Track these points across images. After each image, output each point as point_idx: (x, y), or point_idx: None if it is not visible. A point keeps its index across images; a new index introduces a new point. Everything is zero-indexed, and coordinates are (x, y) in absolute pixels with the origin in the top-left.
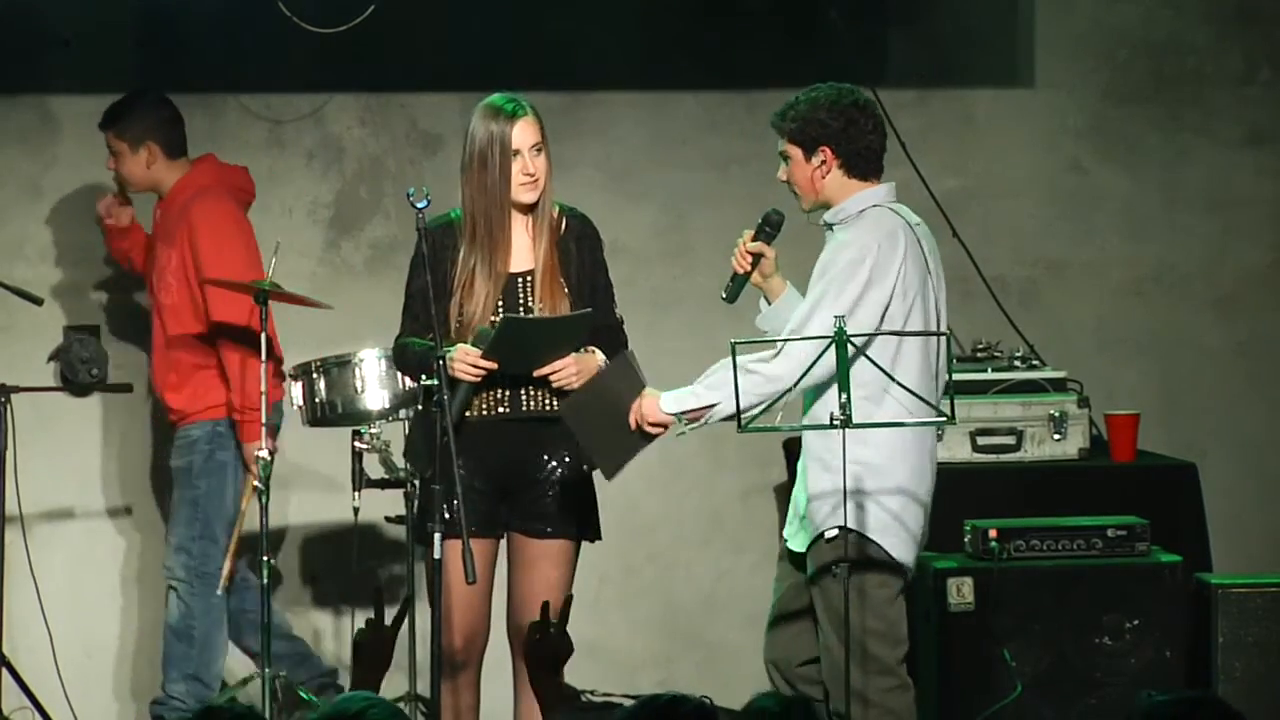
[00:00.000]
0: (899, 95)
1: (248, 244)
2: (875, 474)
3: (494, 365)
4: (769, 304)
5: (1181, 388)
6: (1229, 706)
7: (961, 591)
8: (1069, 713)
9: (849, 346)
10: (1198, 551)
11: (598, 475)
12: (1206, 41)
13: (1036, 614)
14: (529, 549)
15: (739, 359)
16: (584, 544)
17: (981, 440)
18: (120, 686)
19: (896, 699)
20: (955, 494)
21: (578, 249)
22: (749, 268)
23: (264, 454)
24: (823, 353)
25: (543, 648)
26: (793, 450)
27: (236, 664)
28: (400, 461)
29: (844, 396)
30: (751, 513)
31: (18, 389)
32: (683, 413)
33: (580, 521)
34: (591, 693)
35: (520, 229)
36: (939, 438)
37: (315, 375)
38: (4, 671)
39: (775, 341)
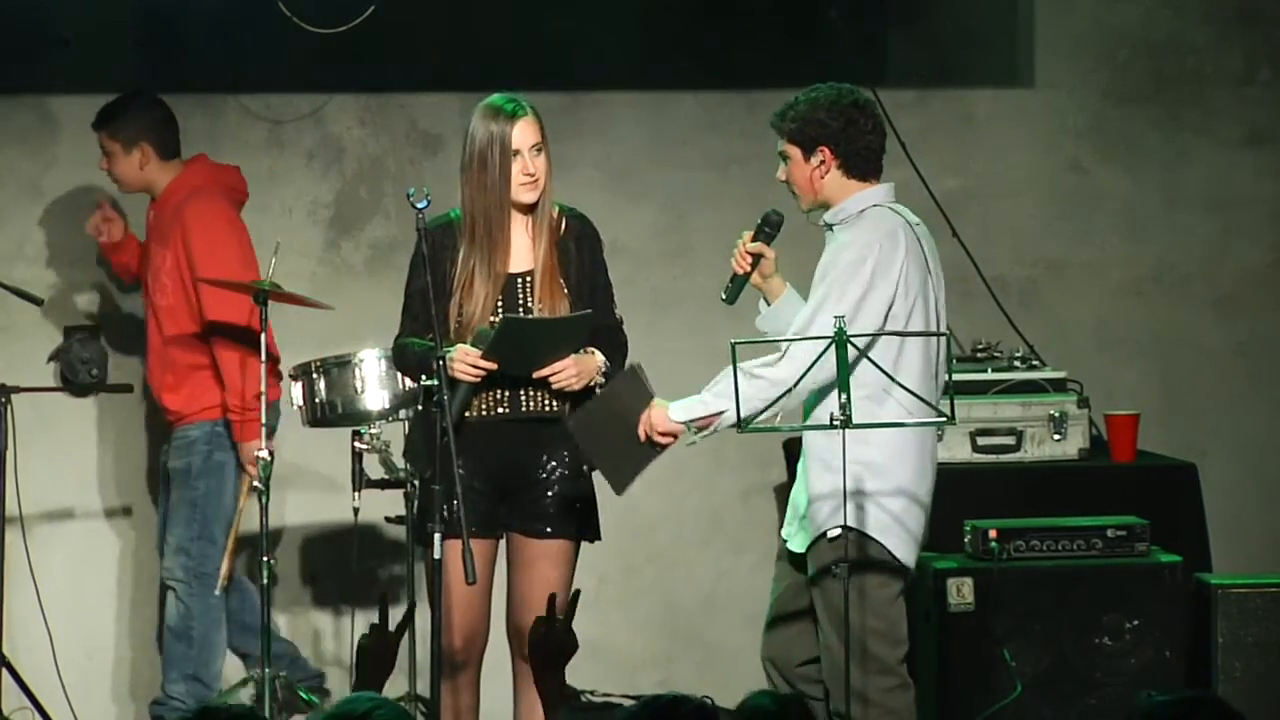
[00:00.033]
0: (899, 95)
1: (242, 243)
2: (877, 474)
3: (494, 365)
4: (768, 305)
5: (1181, 388)
6: (1229, 706)
7: (961, 591)
8: (1069, 713)
9: (850, 347)
10: (1198, 551)
11: (601, 480)
12: (1206, 41)
13: (1036, 614)
14: (528, 549)
15: (744, 364)
16: (584, 544)
17: (981, 440)
18: (120, 687)
19: (897, 698)
20: (955, 494)
21: (577, 249)
22: (749, 268)
23: (264, 454)
24: (822, 353)
25: (547, 643)
26: (793, 451)
27: (237, 664)
28: (400, 462)
29: (844, 397)
30: (751, 513)
31: (18, 389)
32: (691, 421)
33: (580, 522)
34: (591, 693)
35: (520, 229)
36: (939, 438)
37: (315, 375)
38: (4, 671)
39: (776, 342)
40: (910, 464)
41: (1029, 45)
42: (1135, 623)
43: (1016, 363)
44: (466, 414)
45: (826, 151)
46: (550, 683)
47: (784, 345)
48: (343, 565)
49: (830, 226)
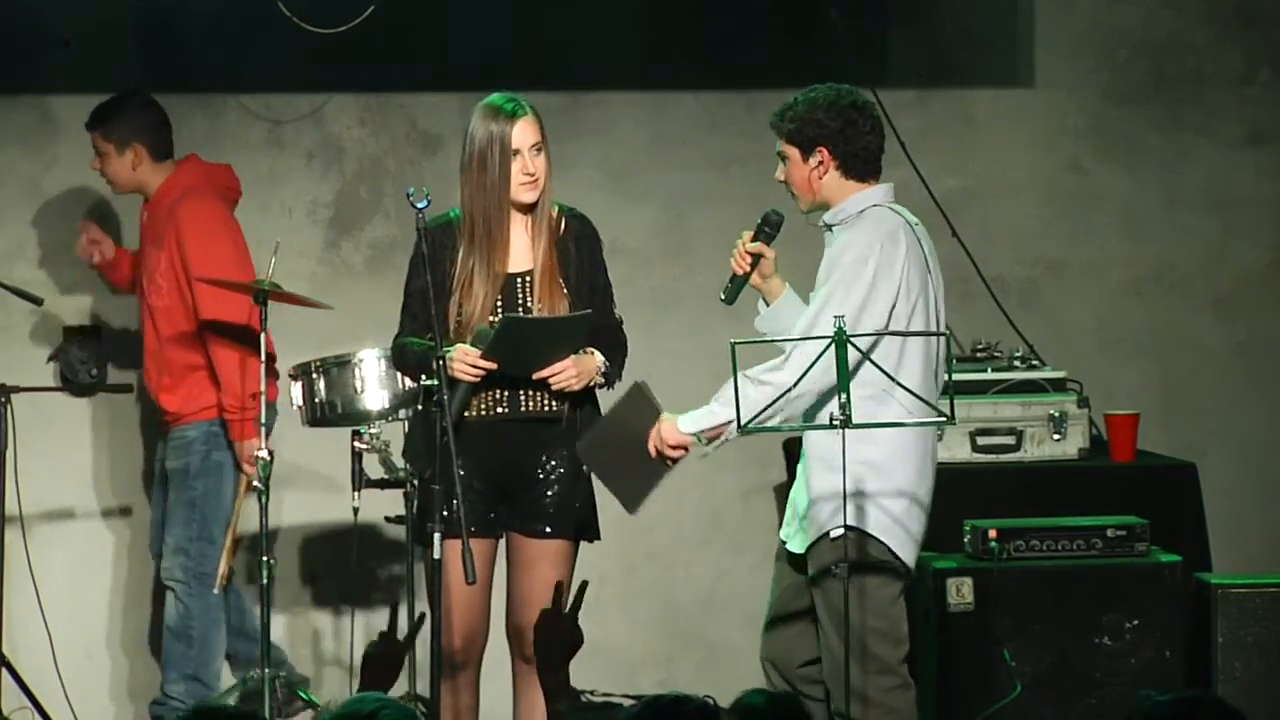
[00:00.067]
0: (899, 95)
1: (236, 242)
2: (879, 473)
3: (493, 365)
4: (767, 305)
5: (1181, 388)
6: (1228, 705)
7: (961, 591)
8: (1069, 713)
9: (853, 348)
10: (1197, 551)
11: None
12: (1206, 41)
13: (1036, 614)
14: (528, 549)
15: (749, 371)
16: (584, 544)
17: (981, 440)
18: (120, 687)
19: (898, 698)
20: (955, 494)
21: (577, 249)
22: (748, 268)
23: (263, 454)
24: (822, 352)
25: (553, 636)
26: (792, 451)
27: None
28: (400, 462)
29: (844, 396)
30: (751, 513)
31: (18, 389)
32: (701, 432)
33: (579, 522)
34: (591, 693)
35: (519, 229)
36: (939, 438)
37: (315, 375)
38: (4, 671)
39: (776, 342)
40: (912, 463)
41: (1029, 45)
42: (1135, 623)
43: (1016, 363)
44: (466, 414)
45: (825, 152)
46: (554, 676)
47: (788, 348)
48: (343, 565)
49: (830, 227)
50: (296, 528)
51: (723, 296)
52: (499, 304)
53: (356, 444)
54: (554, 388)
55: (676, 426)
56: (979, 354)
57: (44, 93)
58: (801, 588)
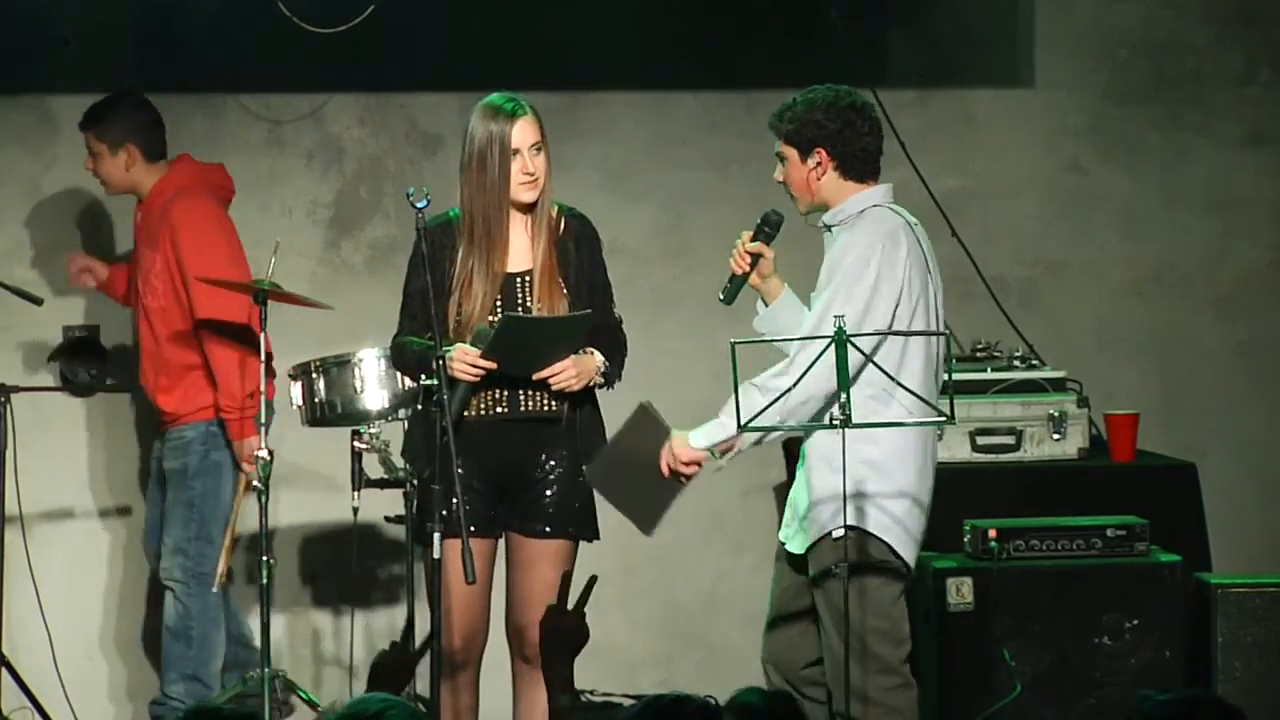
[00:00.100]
0: (899, 95)
1: (230, 241)
2: (881, 473)
3: (493, 365)
4: (766, 305)
5: (1181, 388)
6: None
7: (961, 591)
8: (1069, 713)
9: (856, 346)
10: (1197, 551)
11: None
12: (1206, 41)
13: (1036, 614)
14: (527, 549)
15: (754, 379)
16: (583, 544)
17: (981, 440)
18: (120, 686)
19: (900, 697)
20: (955, 494)
21: (576, 249)
22: (747, 268)
23: (263, 454)
24: (822, 352)
25: (559, 632)
26: (792, 451)
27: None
28: (400, 461)
29: (844, 396)
30: (751, 513)
31: (18, 389)
32: (713, 445)
33: (578, 521)
34: (591, 693)
35: (519, 229)
36: (939, 437)
37: (315, 375)
38: (4, 671)
39: (775, 341)
40: (913, 463)
41: (1029, 45)
42: (1135, 623)
43: (1016, 362)
44: (465, 414)
45: (823, 153)
46: (558, 670)
47: (792, 351)
48: (342, 565)
49: (829, 228)
50: (296, 528)
51: (721, 296)
52: (498, 304)
53: (356, 444)
54: (554, 388)
55: (688, 442)
56: (979, 354)
57: (44, 93)
58: (802, 588)
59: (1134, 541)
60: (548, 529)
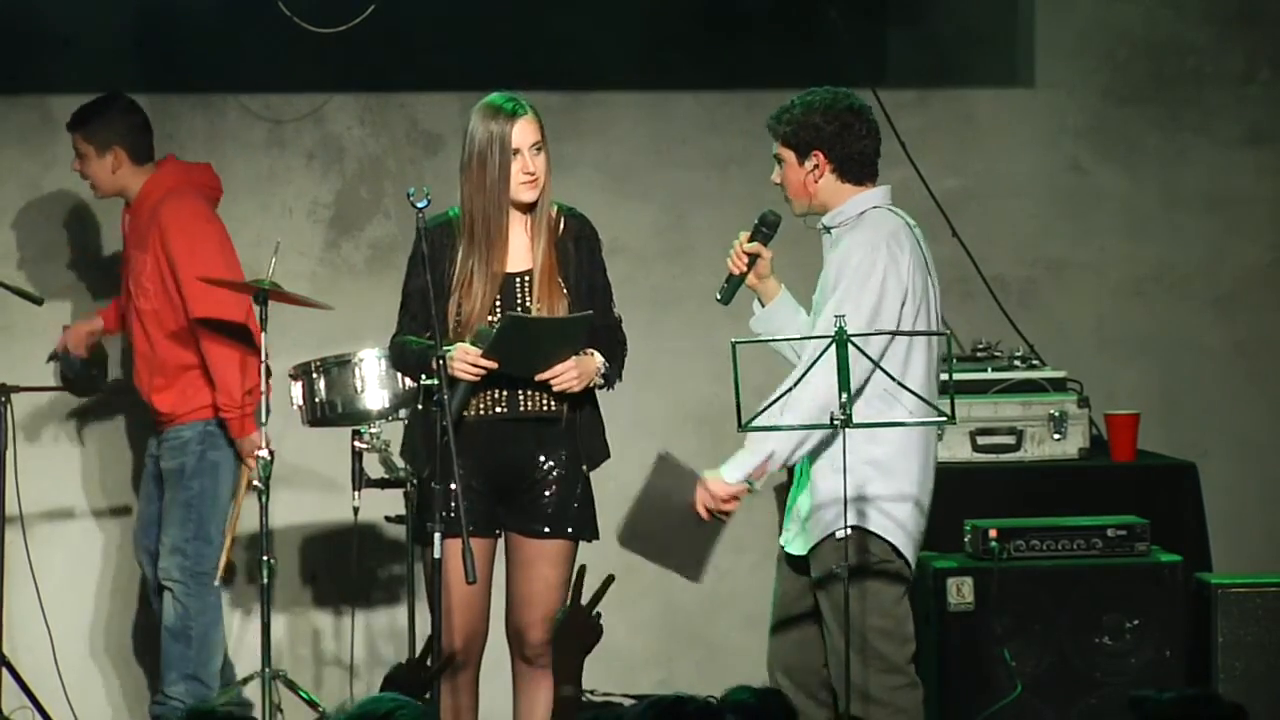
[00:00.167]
0: (899, 95)
1: (221, 240)
2: (885, 472)
3: (494, 364)
4: (763, 306)
5: (1181, 388)
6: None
7: (961, 591)
8: (1069, 713)
9: (857, 346)
10: (1198, 551)
11: (599, 478)
12: (1206, 41)
13: (1037, 614)
14: (527, 549)
15: (776, 406)
16: (583, 543)
17: (981, 440)
18: (120, 686)
19: (905, 697)
20: (955, 494)
21: (576, 249)
22: (745, 269)
23: (264, 454)
24: (823, 352)
25: (571, 629)
26: None
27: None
28: (400, 461)
29: (844, 396)
30: (751, 513)
31: (18, 389)
32: (748, 475)
33: (578, 521)
34: (591, 692)
35: (519, 229)
36: (939, 438)
37: (315, 375)
38: (4, 671)
39: (775, 342)
40: (915, 462)
41: (1029, 45)
42: (1135, 623)
43: (1016, 362)
44: (465, 413)
45: (820, 156)
46: (567, 662)
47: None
48: (343, 565)
49: (828, 229)
50: (296, 528)
51: (718, 296)
52: (498, 304)
53: (357, 444)
54: (555, 389)
55: (722, 478)
56: (979, 354)
57: (44, 93)
58: (805, 591)
59: (1134, 541)
60: (547, 529)
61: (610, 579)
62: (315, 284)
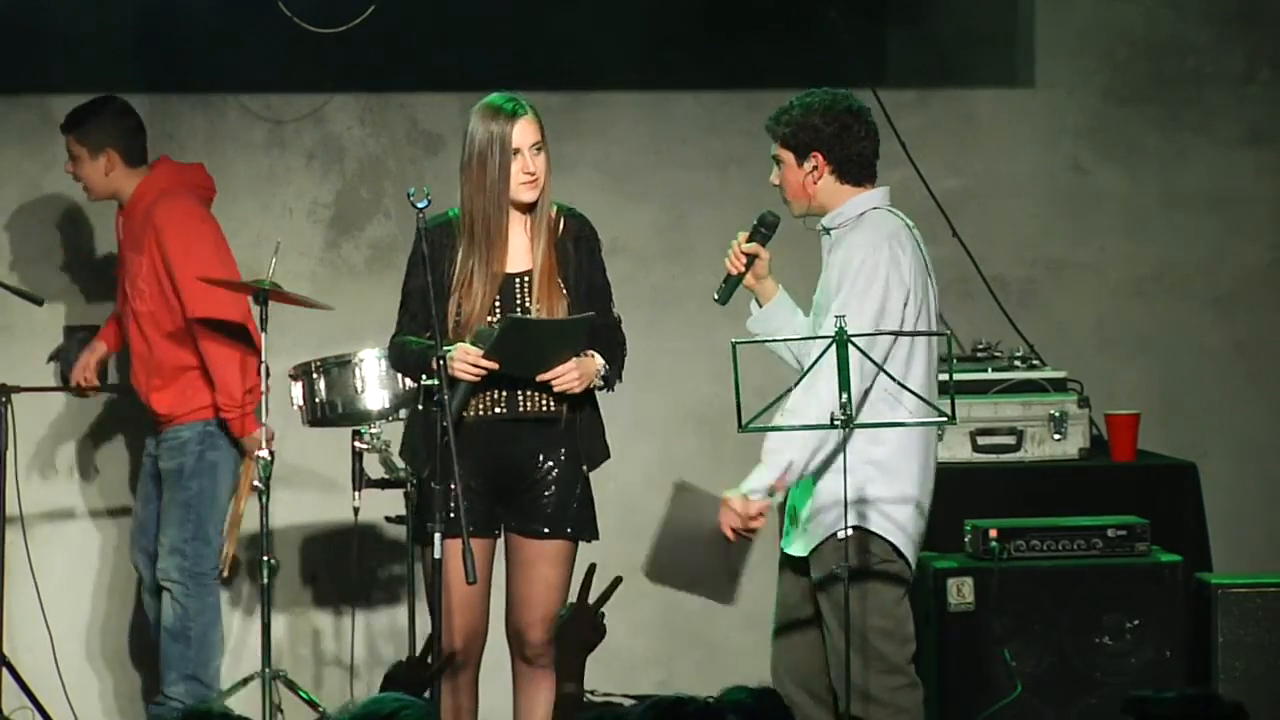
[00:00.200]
0: (899, 95)
1: (216, 240)
2: (886, 472)
3: (495, 365)
4: (760, 306)
5: (1181, 388)
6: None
7: (961, 591)
8: (1069, 713)
9: (859, 349)
10: (1198, 551)
11: (599, 479)
12: (1206, 41)
13: (1037, 614)
14: (526, 550)
15: (784, 417)
16: (583, 544)
17: (981, 440)
18: (120, 687)
19: (906, 697)
20: (955, 494)
21: (575, 249)
22: (743, 269)
23: (264, 454)
24: (824, 352)
25: (575, 628)
26: None
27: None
28: (400, 462)
29: (844, 396)
30: None
31: (18, 389)
32: (769, 488)
33: (577, 521)
34: (592, 693)
35: (519, 229)
36: (939, 438)
37: (315, 375)
38: (4, 671)
39: (775, 342)
40: (916, 463)
41: (1029, 45)
42: (1135, 623)
43: (1016, 362)
44: (464, 414)
45: (819, 157)
46: (570, 660)
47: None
48: (343, 565)
49: (828, 231)
50: (296, 528)
51: (716, 296)
52: (497, 304)
53: (357, 444)
54: (556, 389)
55: (747, 498)
56: (979, 354)
57: (44, 93)
58: (807, 594)
59: (1134, 541)
60: (546, 529)
61: (618, 580)
62: (315, 284)
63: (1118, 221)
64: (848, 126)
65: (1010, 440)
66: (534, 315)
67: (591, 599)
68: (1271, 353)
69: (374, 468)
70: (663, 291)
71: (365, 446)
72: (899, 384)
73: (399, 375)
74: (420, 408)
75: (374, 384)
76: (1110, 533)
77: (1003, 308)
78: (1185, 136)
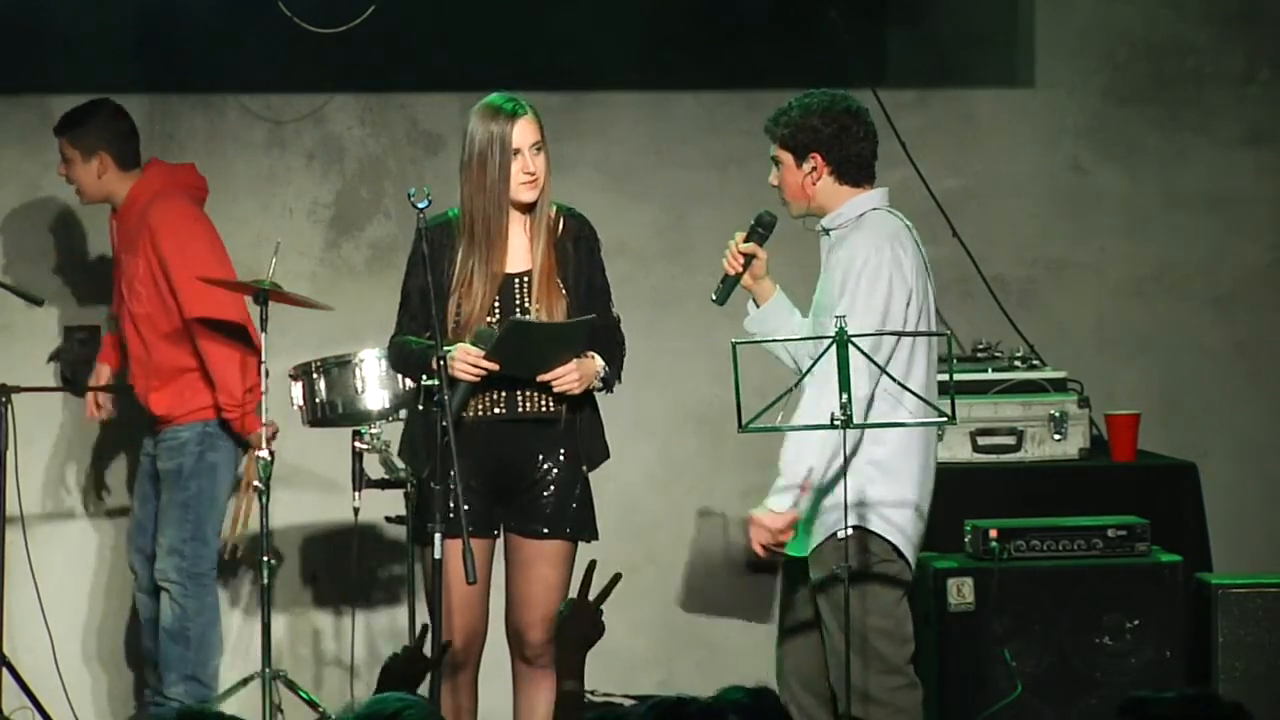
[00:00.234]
0: (899, 95)
1: (210, 239)
2: (886, 472)
3: (495, 366)
4: (757, 306)
5: (1181, 388)
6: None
7: (961, 591)
8: (1069, 713)
9: (861, 350)
10: (1198, 551)
11: (598, 479)
12: (1206, 41)
13: (1037, 614)
14: (526, 550)
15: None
16: (582, 544)
17: (982, 440)
18: (120, 687)
19: (905, 697)
20: (956, 494)
21: (575, 249)
22: (740, 269)
23: (264, 454)
24: (823, 352)
25: (575, 624)
26: None
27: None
28: (400, 462)
29: (844, 396)
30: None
31: (18, 389)
32: (795, 499)
33: (576, 522)
34: (592, 693)
35: (518, 229)
36: (939, 438)
37: (315, 375)
38: (4, 671)
39: (775, 342)
40: (916, 463)
41: (1029, 45)
42: (1135, 623)
43: (1016, 363)
44: (463, 414)
45: (818, 158)
46: (570, 657)
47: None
48: (343, 565)
49: (828, 231)
50: (297, 528)
51: (713, 297)
52: (497, 304)
53: (357, 444)
54: (556, 390)
55: (772, 511)
56: (979, 354)
57: (44, 93)
58: (809, 594)
59: (1135, 542)
60: (545, 530)
61: (617, 577)
62: (315, 284)
63: (1118, 221)
64: (846, 127)
65: (1010, 440)
66: (533, 315)
67: (591, 596)
68: (1271, 353)
69: (374, 468)
70: (663, 291)
71: (365, 446)
72: (900, 385)
73: (399, 375)
74: (420, 408)
75: (374, 384)
76: (1110, 533)
77: (1003, 308)
78: (1185, 136)
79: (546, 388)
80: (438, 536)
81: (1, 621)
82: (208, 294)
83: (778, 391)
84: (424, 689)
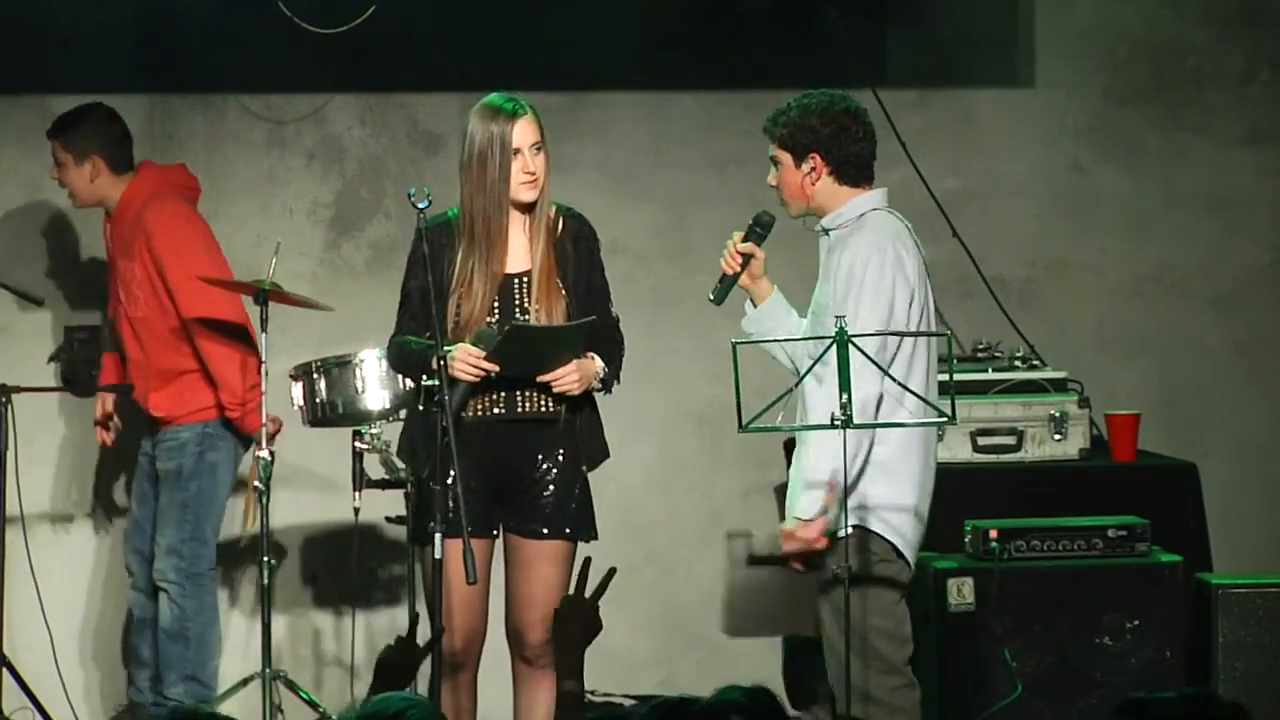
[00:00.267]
0: (899, 95)
1: (206, 240)
2: (887, 472)
3: (496, 367)
4: (755, 306)
5: (1181, 388)
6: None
7: (961, 591)
8: (1069, 713)
9: (862, 351)
10: (1198, 551)
11: (598, 479)
12: (1206, 41)
13: (1036, 614)
14: (525, 550)
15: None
16: (581, 544)
17: (982, 440)
18: (120, 687)
19: (904, 697)
20: (956, 494)
21: (574, 249)
22: (738, 269)
23: (264, 454)
24: (824, 352)
25: (573, 621)
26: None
27: (243, 663)
28: (400, 462)
29: (844, 396)
30: (751, 513)
31: (18, 389)
32: (824, 505)
33: (576, 522)
34: (592, 693)
35: (518, 229)
36: (939, 438)
37: (315, 375)
38: (4, 671)
39: (775, 342)
40: (917, 462)
41: (1029, 45)
42: (1135, 623)
43: (1017, 363)
44: (463, 414)
45: (817, 158)
46: (569, 656)
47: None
48: (343, 565)
49: (827, 231)
50: (297, 528)
51: (711, 296)
52: (496, 304)
53: (357, 444)
54: (556, 391)
55: (802, 517)
56: (979, 354)
57: (44, 93)
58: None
59: (1135, 542)
60: (545, 530)
61: (612, 571)
62: (315, 284)
63: (1118, 221)
64: (845, 128)
65: (1010, 440)
66: (533, 315)
67: (587, 592)
68: (1271, 353)
69: (374, 468)
70: (663, 291)
71: (365, 447)
72: (901, 385)
73: (399, 375)
74: (420, 408)
75: (374, 384)
76: (1110, 533)
77: (1003, 308)
78: (1185, 136)
79: (546, 388)
80: (438, 536)
81: (1, 621)
82: (205, 294)
83: (778, 391)
84: (423, 688)
